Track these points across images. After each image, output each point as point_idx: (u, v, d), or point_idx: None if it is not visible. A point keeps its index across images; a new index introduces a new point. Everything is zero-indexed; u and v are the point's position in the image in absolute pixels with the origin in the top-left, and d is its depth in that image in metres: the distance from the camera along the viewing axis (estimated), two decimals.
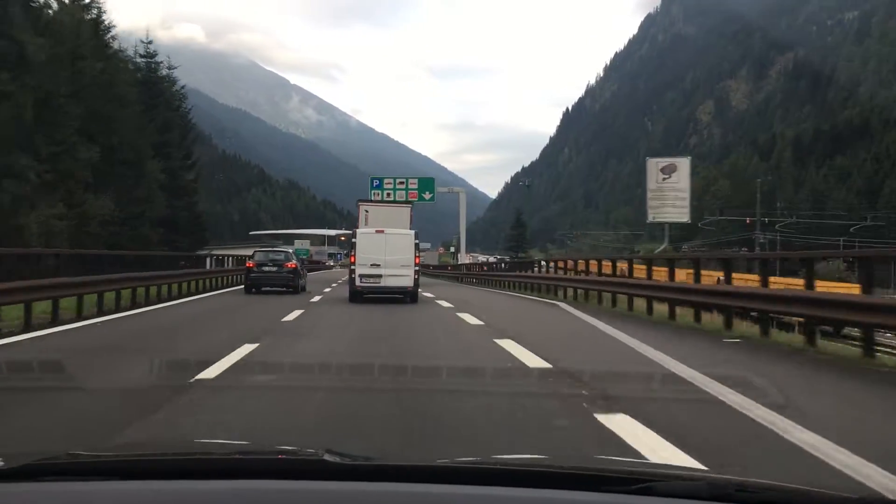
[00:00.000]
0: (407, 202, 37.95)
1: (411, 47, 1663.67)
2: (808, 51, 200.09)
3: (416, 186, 55.73)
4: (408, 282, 19.22)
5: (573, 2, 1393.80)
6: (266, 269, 24.57)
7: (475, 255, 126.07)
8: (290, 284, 24.31)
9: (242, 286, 26.07)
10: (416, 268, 19.60)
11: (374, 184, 56.41)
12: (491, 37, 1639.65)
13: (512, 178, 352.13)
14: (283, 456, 1.93)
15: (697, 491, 1.48)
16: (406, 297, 19.25)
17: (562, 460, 1.90)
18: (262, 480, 1.58)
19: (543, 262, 33.00)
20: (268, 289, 24.23)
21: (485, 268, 48.95)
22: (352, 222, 39.90)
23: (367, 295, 19.19)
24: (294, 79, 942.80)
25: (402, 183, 56.47)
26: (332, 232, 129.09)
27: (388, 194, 53.51)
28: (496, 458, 1.94)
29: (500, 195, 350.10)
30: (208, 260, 34.64)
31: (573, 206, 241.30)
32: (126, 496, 1.56)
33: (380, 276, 19.25)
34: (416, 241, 20.21)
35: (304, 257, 54.12)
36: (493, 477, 1.58)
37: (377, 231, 20.49)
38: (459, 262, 66.77)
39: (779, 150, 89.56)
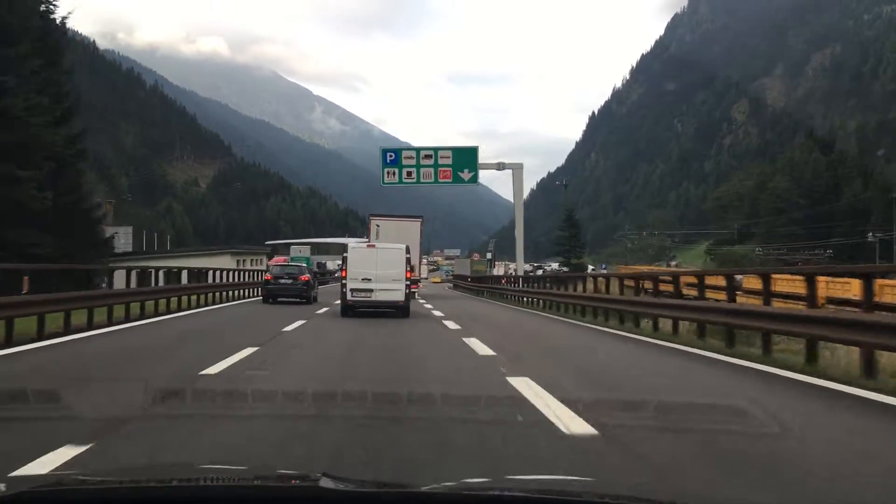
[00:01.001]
0: (416, 216, 37.15)
1: (433, 56, 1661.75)
2: (845, 46, 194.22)
3: (449, 162, 39.98)
4: (399, 296, 19.29)
5: (595, 7, 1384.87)
6: (282, 281, 26.44)
7: (506, 263, 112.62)
8: (303, 295, 25.89)
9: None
10: (408, 282, 19.73)
11: (389, 159, 40.21)
12: (512, 45, 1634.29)
13: (537, 184, 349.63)
14: (280, 484, 1.92)
15: None
16: (397, 311, 19.23)
17: (562, 485, 1.89)
18: None
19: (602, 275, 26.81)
20: (283, 299, 25.78)
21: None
22: None
23: (358, 309, 19.23)
24: (317, 90, 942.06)
25: (428, 157, 40.20)
26: (353, 240, 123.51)
27: (409, 174, 39.86)
28: (493, 483, 1.90)
29: (526, 202, 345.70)
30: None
31: (602, 210, 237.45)
32: None
33: (371, 290, 19.21)
34: (408, 256, 20.03)
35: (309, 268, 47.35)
36: (493, 502, 1.56)
37: (368, 245, 21.58)
38: (505, 273, 57.49)
39: (840, 143, 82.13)
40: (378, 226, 33.93)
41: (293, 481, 1.84)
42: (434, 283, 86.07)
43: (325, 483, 1.64)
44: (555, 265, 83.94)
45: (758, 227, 76.53)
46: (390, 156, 40.50)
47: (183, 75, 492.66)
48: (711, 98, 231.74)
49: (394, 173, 40.03)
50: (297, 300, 25.63)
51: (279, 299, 25.82)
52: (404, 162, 40.15)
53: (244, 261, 53.96)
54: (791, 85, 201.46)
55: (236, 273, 35.41)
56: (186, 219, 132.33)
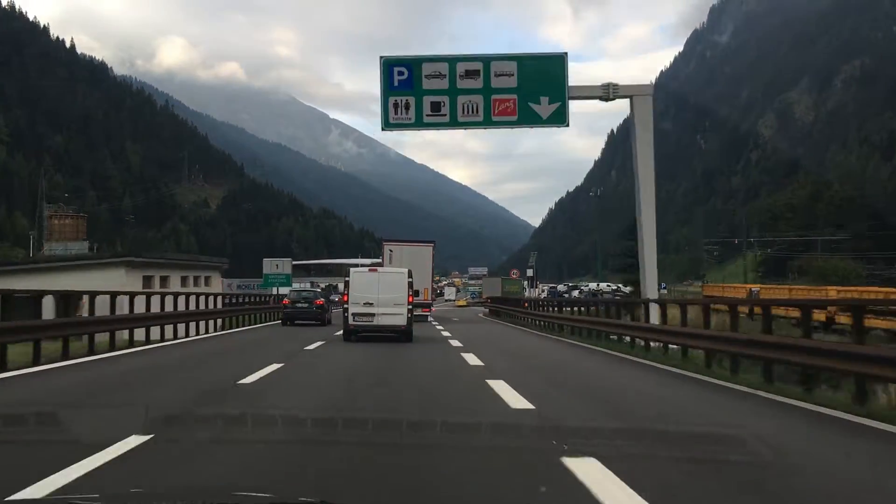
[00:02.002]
0: (429, 241, 35.35)
1: None
2: (875, 57, 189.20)
3: (513, 83, 22.54)
4: (401, 320, 19.02)
5: (611, 26, 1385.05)
6: (299, 305, 28.27)
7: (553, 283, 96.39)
8: (318, 318, 27.67)
9: None
10: (409, 306, 19.24)
11: (398, 79, 22.62)
12: None
13: (556, 204, 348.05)
14: None
15: None
16: (400, 336, 18.92)
17: None
18: None
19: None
20: (300, 321, 27.49)
21: None
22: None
23: (360, 334, 19.14)
24: (333, 113, 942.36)
25: (473, 75, 22.44)
26: (367, 261, 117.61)
27: (436, 107, 22.53)
28: None
29: (545, 221, 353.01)
30: None
31: (626, 230, 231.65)
32: None
33: (373, 314, 19.01)
34: (410, 280, 19.54)
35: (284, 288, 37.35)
36: None
37: (370, 269, 21.18)
38: (538, 296, 44.77)
39: None
40: (391, 251, 33.80)
41: None
42: (459, 306, 79.04)
43: None
44: (592, 285, 72.92)
45: (811, 236, 69.61)
46: (399, 74, 22.40)
47: (200, 100, 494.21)
48: (735, 113, 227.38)
49: (406, 106, 22.49)
50: (314, 322, 27.29)
51: (296, 322, 27.67)
52: (427, 84, 22.40)
53: (164, 279, 30.34)
54: (819, 98, 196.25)
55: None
56: (192, 239, 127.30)
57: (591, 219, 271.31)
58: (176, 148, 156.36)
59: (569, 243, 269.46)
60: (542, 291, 76.66)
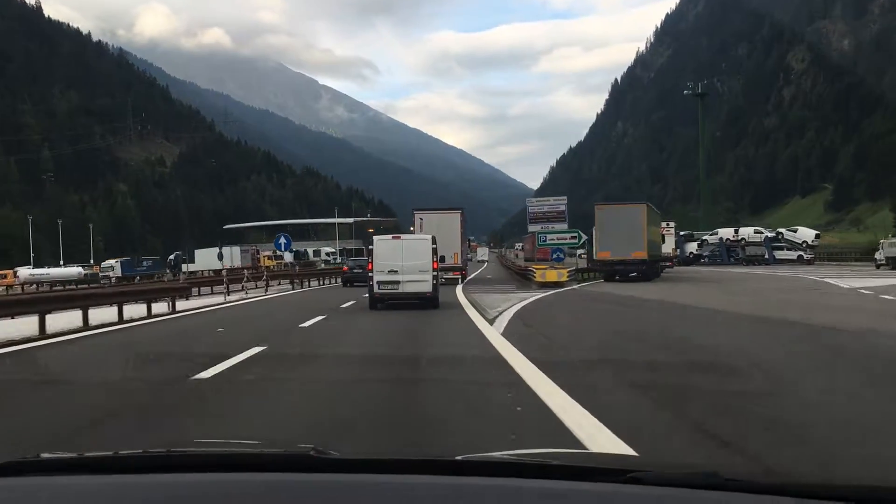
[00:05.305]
0: (457, 208, 38.33)
1: (439, 42, 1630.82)
2: None
3: None
4: (427, 287, 19.17)
5: None
6: (355, 270, 35.18)
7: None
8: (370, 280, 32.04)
9: None
10: (435, 272, 19.29)
11: None
12: (518, 27, 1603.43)
13: (557, 162, 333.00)
14: (271, 450, 1.91)
15: (685, 481, 1.43)
16: (426, 302, 19.04)
17: (556, 457, 1.82)
18: (248, 473, 1.56)
19: None
20: (357, 283, 32.54)
21: None
22: (383, 211, 27.27)
23: (387, 301, 19.43)
24: (323, 79, 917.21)
25: None
26: (348, 220, 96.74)
27: None
28: (493, 455, 1.80)
29: (546, 182, 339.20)
30: None
31: (637, 182, 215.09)
32: (110, 488, 1.51)
33: (398, 282, 19.25)
34: (434, 246, 19.71)
35: None
36: (494, 469, 1.53)
37: (393, 237, 21.30)
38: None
39: None
40: (421, 219, 36.25)
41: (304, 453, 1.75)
42: (549, 283, 34.89)
43: (315, 454, 1.63)
44: (724, 232, 46.25)
45: None
46: None
47: (185, 69, 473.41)
48: (758, 49, 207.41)
49: None
50: (366, 284, 30.63)
51: (354, 284, 33.36)
52: None
53: None
54: (858, 25, 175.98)
55: None
56: (132, 202, 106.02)
57: (602, 171, 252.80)
58: (125, 99, 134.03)
59: (573, 201, 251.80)
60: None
